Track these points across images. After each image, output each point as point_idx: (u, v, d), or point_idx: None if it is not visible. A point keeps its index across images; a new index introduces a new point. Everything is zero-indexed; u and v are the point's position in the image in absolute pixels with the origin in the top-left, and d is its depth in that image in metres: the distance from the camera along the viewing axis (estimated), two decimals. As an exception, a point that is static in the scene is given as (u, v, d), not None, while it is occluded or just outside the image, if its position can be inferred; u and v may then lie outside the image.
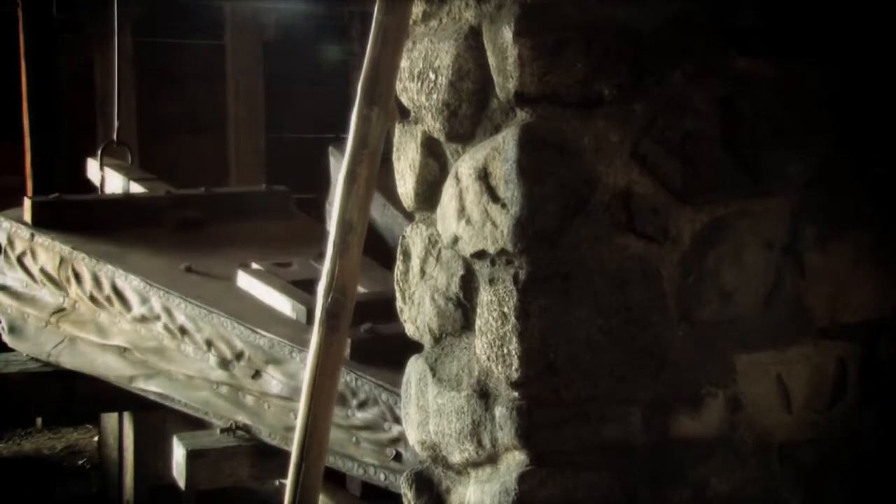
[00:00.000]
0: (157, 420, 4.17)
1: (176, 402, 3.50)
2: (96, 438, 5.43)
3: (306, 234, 4.13)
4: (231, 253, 3.91)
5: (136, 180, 4.89)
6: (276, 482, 3.63)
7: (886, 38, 2.11)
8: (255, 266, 3.65)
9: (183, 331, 3.43)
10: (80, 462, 5.65)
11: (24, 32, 6.73)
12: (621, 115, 1.96)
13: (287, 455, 2.18)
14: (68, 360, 3.88)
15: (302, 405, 2.12)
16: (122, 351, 3.66)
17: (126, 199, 4.54)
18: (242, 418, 3.24)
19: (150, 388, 3.56)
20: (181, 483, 3.25)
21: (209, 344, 3.33)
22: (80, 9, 7.06)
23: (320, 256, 2.61)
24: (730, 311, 2.04)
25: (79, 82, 7.20)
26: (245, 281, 3.58)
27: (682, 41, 1.98)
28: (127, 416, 4.45)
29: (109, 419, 4.76)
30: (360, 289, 2.91)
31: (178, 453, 3.22)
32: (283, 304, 3.37)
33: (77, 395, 4.02)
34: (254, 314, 3.34)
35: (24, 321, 4.05)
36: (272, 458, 3.16)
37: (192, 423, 3.60)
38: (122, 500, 4.59)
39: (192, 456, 3.18)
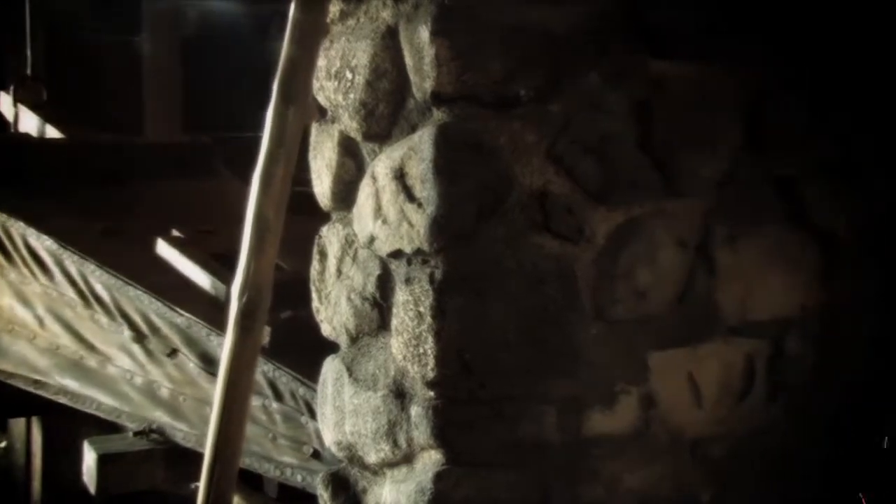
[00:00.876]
0: (67, 424, 4.06)
1: (88, 404, 3.41)
2: (3, 444, 5.28)
3: (232, 194, 3.99)
4: (152, 214, 3.74)
5: (53, 123, 4.66)
6: (192, 485, 3.57)
7: (796, 40, 2.17)
8: (175, 233, 3.54)
9: (98, 300, 3.32)
10: (-14, 468, 5.48)
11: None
12: (538, 116, 1.97)
13: (202, 458, 2.15)
14: None
15: (215, 407, 2.09)
16: (32, 337, 3.53)
17: (43, 145, 4.32)
18: (159, 415, 3.17)
19: (65, 382, 3.45)
20: (91, 489, 3.17)
21: (124, 316, 3.24)
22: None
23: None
24: (643, 310, 2.07)
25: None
26: (165, 250, 3.47)
27: (598, 43, 2.00)
28: (35, 422, 4.33)
29: (17, 424, 4.64)
30: (283, 265, 2.84)
31: (89, 458, 3.14)
32: (203, 280, 3.29)
33: (-18, 402, 3.89)
34: (172, 288, 3.25)
35: None
36: (187, 461, 3.11)
37: (104, 428, 3.52)
38: (29, 506, 4.47)
39: (104, 460, 3.11)
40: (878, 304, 2.33)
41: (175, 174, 4.11)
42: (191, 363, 3.05)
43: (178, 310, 3.10)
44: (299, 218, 2.23)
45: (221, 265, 3.27)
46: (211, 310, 3.09)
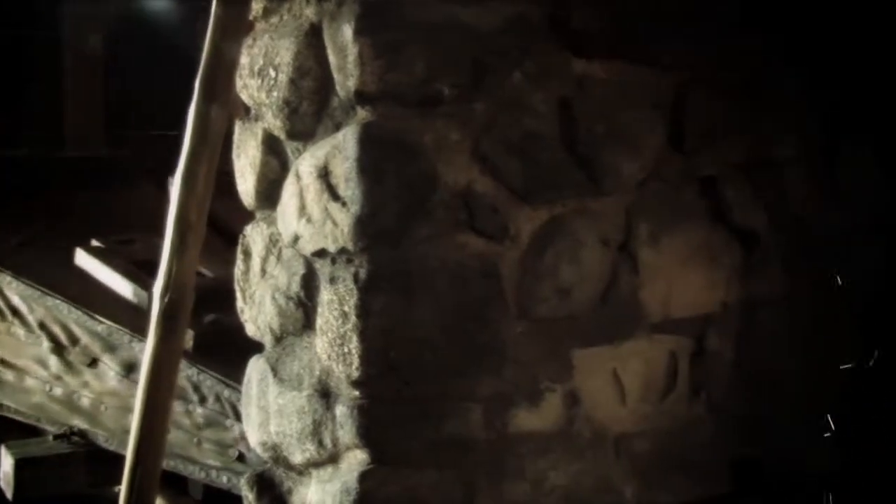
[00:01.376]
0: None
1: (5, 409, 3.33)
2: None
3: (151, 205, 3.92)
4: (70, 225, 3.66)
5: None
6: (115, 488, 3.50)
7: (717, 41, 2.20)
8: (95, 243, 3.48)
9: (15, 311, 3.24)
10: None
11: None
12: (462, 115, 1.97)
13: (125, 460, 2.11)
14: None
15: (137, 408, 2.06)
16: None
17: None
18: (78, 423, 3.11)
19: None
20: (8, 494, 3.09)
21: (42, 327, 3.16)
22: None
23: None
24: (567, 308, 2.08)
25: None
26: (84, 259, 3.41)
27: (521, 42, 2.01)
28: (-49, 428, 4.20)
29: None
30: (206, 272, 2.79)
31: (6, 463, 3.07)
32: (124, 287, 3.23)
33: None
34: (93, 298, 3.18)
35: None
36: (110, 463, 3.05)
37: (25, 431, 3.44)
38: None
39: (22, 465, 3.04)
40: (797, 300, 2.38)
41: (94, 186, 4.05)
42: (112, 371, 3.00)
43: (99, 317, 3.05)
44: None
45: (142, 273, 3.22)
46: (133, 317, 3.04)
